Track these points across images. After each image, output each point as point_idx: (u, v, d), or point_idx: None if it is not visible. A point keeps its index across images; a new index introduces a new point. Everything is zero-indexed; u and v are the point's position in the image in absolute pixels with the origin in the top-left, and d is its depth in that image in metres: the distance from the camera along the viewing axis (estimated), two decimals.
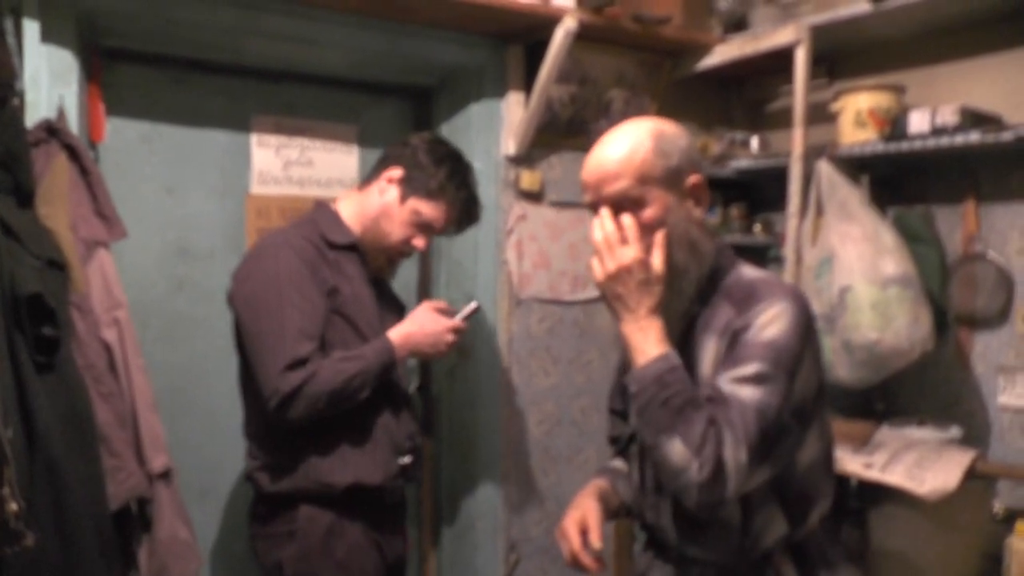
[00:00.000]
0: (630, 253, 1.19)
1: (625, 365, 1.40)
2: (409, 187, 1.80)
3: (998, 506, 1.90)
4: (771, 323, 1.17)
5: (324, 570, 1.69)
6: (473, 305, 1.88)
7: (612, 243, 1.21)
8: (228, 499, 2.32)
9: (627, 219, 1.21)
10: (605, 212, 1.23)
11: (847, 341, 1.94)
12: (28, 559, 1.34)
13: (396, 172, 1.81)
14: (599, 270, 1.23)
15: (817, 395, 1.24)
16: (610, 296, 1.22)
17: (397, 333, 1.75)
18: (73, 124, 1.77)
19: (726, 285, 1.27)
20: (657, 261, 1.21)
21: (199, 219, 2.27)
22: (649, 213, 1.22)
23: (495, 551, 2.42)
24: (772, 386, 1.14)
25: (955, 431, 2.01)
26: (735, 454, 1.11)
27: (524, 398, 2.44)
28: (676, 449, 1.13)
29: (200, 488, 2.23)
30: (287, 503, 1.71)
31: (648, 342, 1.19)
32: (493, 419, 2.40)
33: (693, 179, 1.25)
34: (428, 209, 1.80)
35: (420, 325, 1.78)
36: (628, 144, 1.23)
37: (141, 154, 2.19)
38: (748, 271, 1.30)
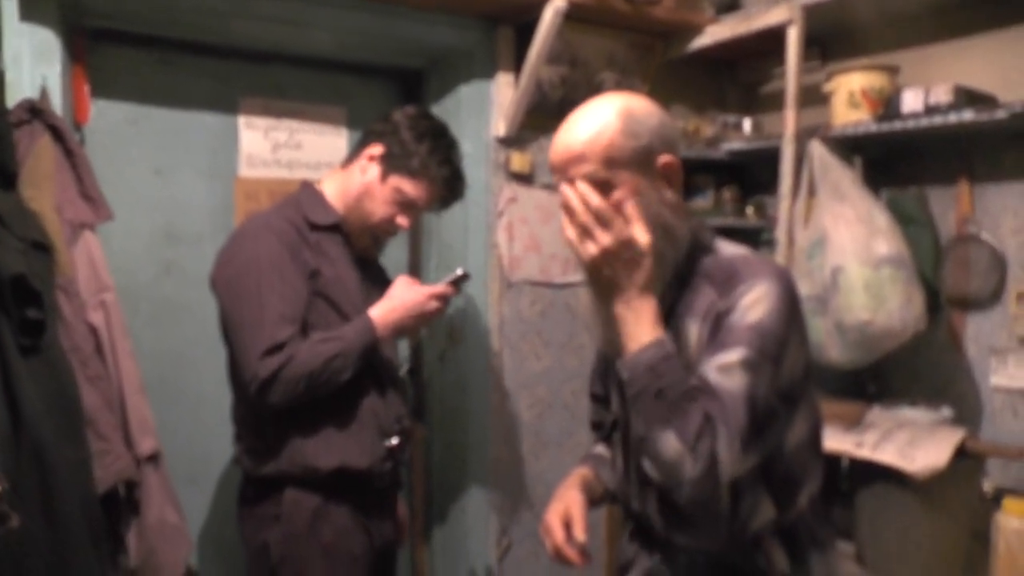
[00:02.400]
0: (610, 235, 1.14)
1: (605, 350, 1.36)
2: (390, 165, 1.76)
3: (988, 485, 1.91)
4: (755, 305, 1.14)
5: (310, 553, 1.68)
6: (459, 271, 1.83)
7: (590, 227, 1.15)
8: (218, 484, 2.31)
9: (594, 197, 1.15)
10: (570, 191, 1.16)
11: (839, 322, 1.93)
12: (14, 541, 1.34)
13: (377, 150, 1.78)
14: (584, 255, 1.17)
15: (804, 375, 1.21)
16: (600, 279, 1.18)
17: (377, 311, 1.72)
18: (57, 105, 1.75)
19: (706, 266, 1.24)
20: (641, 235, 1.16)
21: (187, 202, 2.26)
22: (617, 196, 1.17)
23: (486, 535, 2.42)
24: (759, 372, 1.12)
25: (947, 412, 2.01)
26: (729, 448, 1.09)
27: (515, 382, 2.43)
28: (670, 443, 1.11)
29: (189, 473, 2.22)
30: (273, 486, 1.70)
31: (641, 326, 1.15)
32: (484, 403, 2.39)
33: (664, 159, 1.20)
34: (410, 187, 1.77)
35: (400, 299, 1.74)
36: (595, 125, 1.18)
37: (128, 136, 2.17)
38: (728, 249, 1.26)
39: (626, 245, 1.15)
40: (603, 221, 1.15)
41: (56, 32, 1.78)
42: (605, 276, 1.17)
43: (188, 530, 1.78)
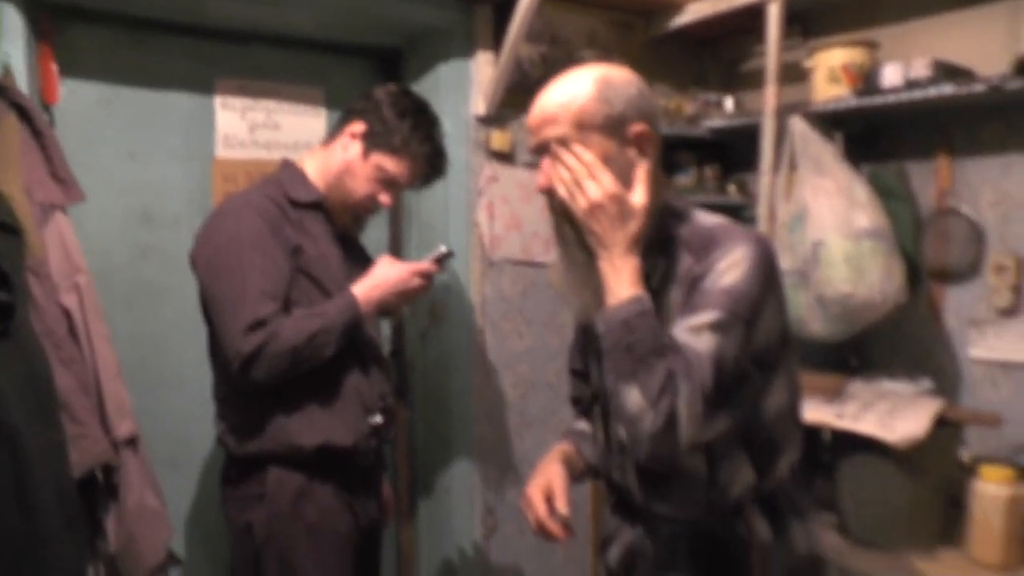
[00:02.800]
0: (599, 188, 1.17)
1: (581, 318, 1.38)
2: (371, 142, 1.76)
3: (966, 454, 1.92)
4: (730, 269, 1.15)
5: (295, 533, 1.67)
6: (442, 249, 1.83)
7: (580, 179, 1.18)
8: (200, 467, 2.30)
9: (588, 155, 1.18)
10: (563, 152, 1.19)
11: (820, 295, 1.94)
12: None
13: (358, 127, 1.77)
14: (576, 208, 1.19)
15: (782, 341, 1.21)
16: (588, 234, 1.19)
17: (360, 288, 1.72)
18: (22, 85, 1.71)
19: (684, 234, 1.25)
20: (638, 195, 1.18)
21: (163, 184, 2.22)
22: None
23: (472, 514, 2.41)
24: (729, 334, 1.12)
25: (926, 383, 2.02)
26: (690, 406, 1.09)
27: (498, 361, 2.42)
28: (633, 397, 1.12)
29: (171, 457, 2.20)
30: (256, 465, 1.69)
31: (621, 283, 1.16)
32: (467, 383, 2.38)
33: (637, 128, 1.21)
34: (391, 164, 1.76)
35: (383, 276, 1.74)
36: (570, 89, 1.21)
37: (100, 117, 2.13)
38: (705, 218, 1.27)
39: (614, 200, 1.17)
40: (594, 176, 1.17)
41: (18, 8, 1.74)
42: (592, 231, 1.18)
43: (168, 514, 1.76)
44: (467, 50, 2.34)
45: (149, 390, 2.15)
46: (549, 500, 1.32)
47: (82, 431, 1.59)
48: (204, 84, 2.27)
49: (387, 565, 2.51)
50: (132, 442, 1.71)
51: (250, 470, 1.70)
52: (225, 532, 1.79)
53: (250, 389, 1.63)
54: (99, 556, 1.69)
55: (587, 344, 1.42)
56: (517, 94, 2.36)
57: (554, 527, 1.29)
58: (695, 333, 1.12)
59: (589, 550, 2.49)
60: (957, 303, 2.13)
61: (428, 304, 2.44)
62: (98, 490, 1.68)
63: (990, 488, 1.72)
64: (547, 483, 1.34)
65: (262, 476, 1.68)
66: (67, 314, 1.65)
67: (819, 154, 2.06)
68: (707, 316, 1.13)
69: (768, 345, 1.18)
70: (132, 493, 1.68)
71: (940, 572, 1.71)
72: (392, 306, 1.80)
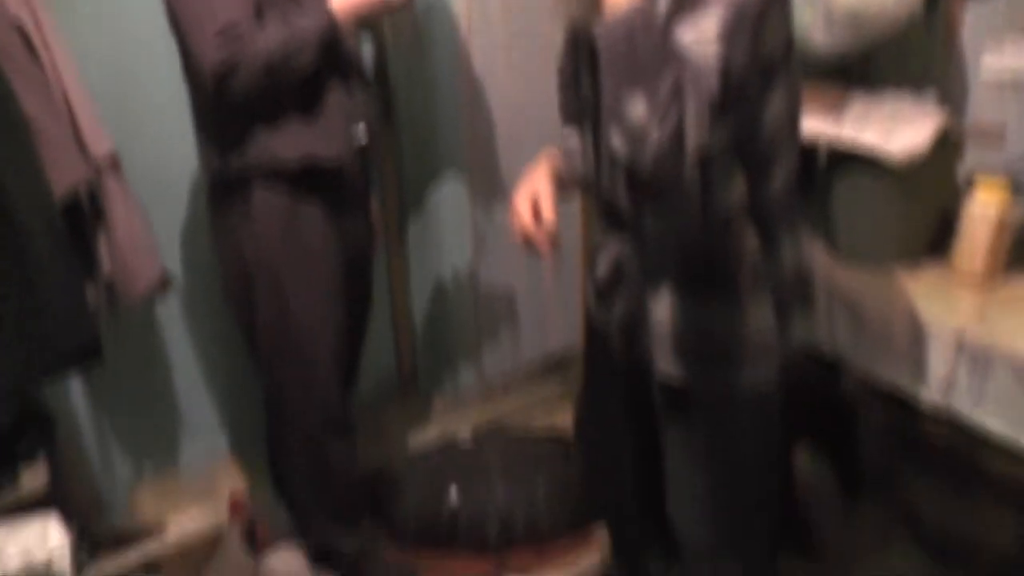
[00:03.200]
0: None
1: (575, 35, 1.30)
2: None
3: (963, 171, 1.90)
4: None
5: (284, 258, 1.69)
6: None
7: None
8: (186, 195, 2.23)
9: None
10: None
11: (828, 7, 1.80)
12: None
13: None
14: None
15: (785, 49, 1.15)
16: None
17: None
18: None
19: None
20: None
21: None
22: None
23: (461, 236, 2.44)
24: (737, 41, 1.05)
25: (931, 99, 1.95)
26: (697, 117, 1.04)
27: (487, 87, 2.33)
28: (638, 110, 1.06)
29: (154, 185, 2.11)
30: (241, 185, 1.67)
31: None
32: (453, 107, 2.32)
33: None
34: None
35: None
36: None
37: None
38: None
39: None
40: None
41: None
42: None
43: (155, 239, 1.77)
44: None
45: (124, 118, 2.06)
46: (535, 208, 1.31)
47: (58, 153, 1.55)
48: None
49: (378, 289, 2.59)
50: (112, 164, 1.68)
51: (235, 191, 1.68)
52: (216, 258, 1.81)
53: (228, 104, 1.57)
54: (96, 281, 1.72)
55: (579, 55, 1.34)
56: None
57: (539, 236, 1.30)
58: (701, 40, 1.05)
59: (578, 268, 2.55)
60: (976, 18, 1.99)
61: (412, 32, 2.30)
62: (85, 216, 1.67)
63: (979, 205, 1.71)
64: (533, 190, 1.33)
65: (247, 197, 1.67)
66: (20, 31, 1.54)
67: None
68: (713, 22, 1.05)
69: (773, 52, 1.12)
70: (118, 217, 1.69)
71: (921, 284, 1.75)
72: (372, 15, 1.69)
